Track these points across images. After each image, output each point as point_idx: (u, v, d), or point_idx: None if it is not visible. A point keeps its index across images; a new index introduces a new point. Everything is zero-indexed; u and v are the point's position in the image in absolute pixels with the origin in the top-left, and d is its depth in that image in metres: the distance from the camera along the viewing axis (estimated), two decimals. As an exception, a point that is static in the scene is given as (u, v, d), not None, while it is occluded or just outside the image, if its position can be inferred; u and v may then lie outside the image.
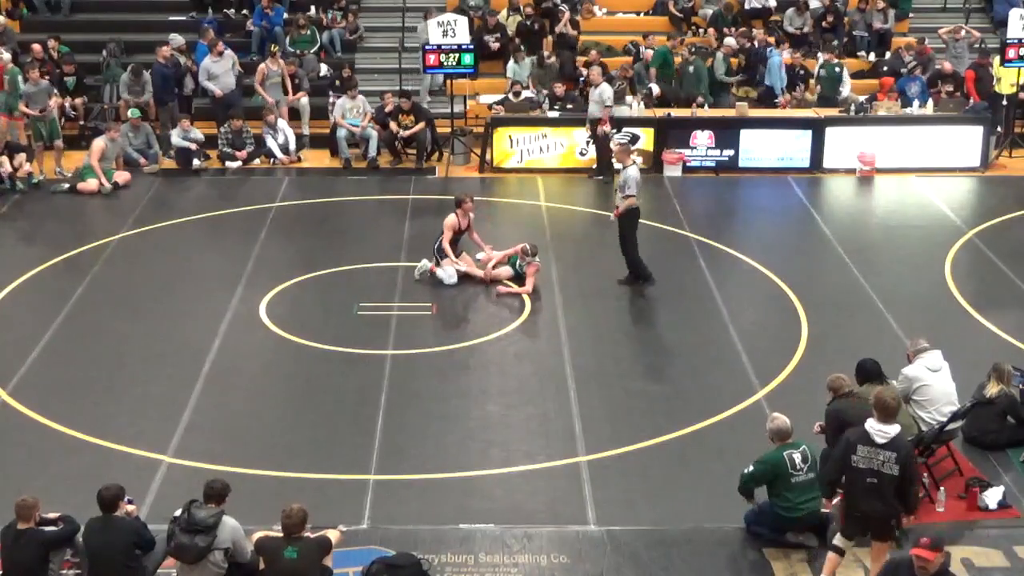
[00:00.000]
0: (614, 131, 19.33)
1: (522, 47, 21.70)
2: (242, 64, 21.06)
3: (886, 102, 20.42)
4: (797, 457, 9.61)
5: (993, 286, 15.26)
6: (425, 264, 15.05)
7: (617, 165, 15.19)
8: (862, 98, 20.69)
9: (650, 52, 21.62)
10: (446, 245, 14.97)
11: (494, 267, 15.02)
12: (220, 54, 20.51)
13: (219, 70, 20.42)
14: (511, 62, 21.54)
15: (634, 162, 14.72)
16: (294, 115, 21.02)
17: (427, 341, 13.55)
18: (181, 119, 19.95)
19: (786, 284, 15.04)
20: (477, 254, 15.33)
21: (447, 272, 14.90)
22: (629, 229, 14.79)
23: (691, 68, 21.11)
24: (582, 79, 20.98)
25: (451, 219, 15.02)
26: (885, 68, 21.76)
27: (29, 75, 19.29)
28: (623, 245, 14.86)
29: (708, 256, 16.04)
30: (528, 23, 22.44)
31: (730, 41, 22.01)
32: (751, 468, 9.70)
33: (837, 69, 21.20)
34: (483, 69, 21.83)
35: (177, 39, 21.24)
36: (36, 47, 20.75)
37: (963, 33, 22.33)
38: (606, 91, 18.93)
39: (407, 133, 19.84)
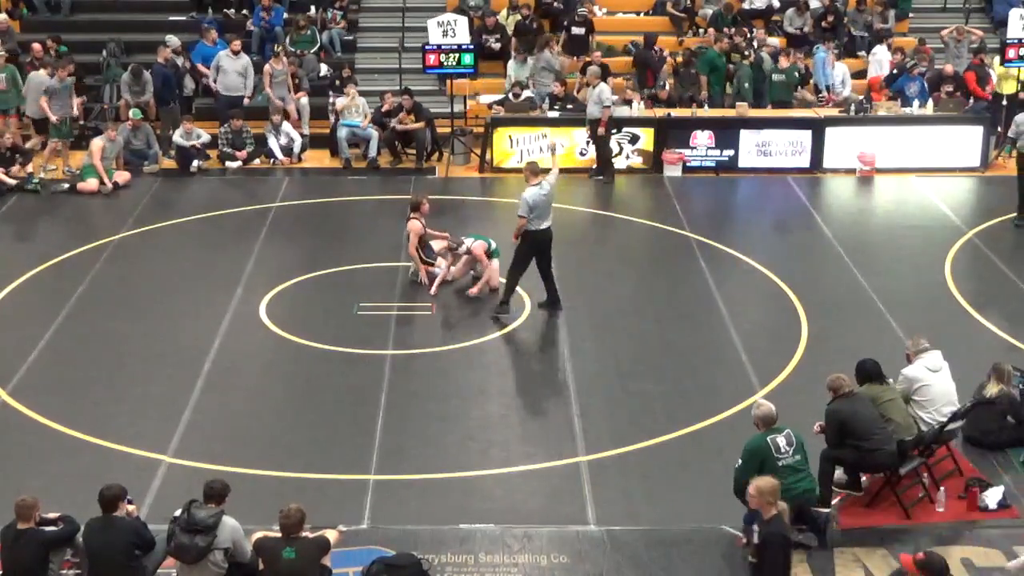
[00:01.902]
0: (613, 131, 19.39)
1: (521, 48, 21.69)
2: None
3: (886, 102, 20.42)
4: (781, 441, 9.67)
5: (993, 286, 15.26)
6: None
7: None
8: (861, 98, 20.69)
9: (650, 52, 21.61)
10: (414, 252, 14.74)
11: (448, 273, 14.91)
12: (236, 53, 20.49)
13: (230, 67, 20.39)
14: (511, 61, 21.54)
15: (539, 184, 13.59)
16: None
17: (427, 341, 13.55)
18: (183, 120, 19.94)
19: (786, 284, 15.04)
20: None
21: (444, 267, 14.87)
22: (521, 250, 13.79)
23: (751, 69, 20.89)
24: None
25: (416, 225, 14.70)
26: (895, 71, 21.71)
27: (57, 72, 19.46)
28: (512, 262, 13.97)
29: (708, 256, 16.03)
30: (526, 22, 22.42)
31: (773, 41, 22.00)
32: (739, 462, 9.73)
33: (797, 74, 20.82)
34: (483, 69, 21.83)
35: (173, 40, 21.18)
36: (36, 47, 20.75)
37: (965, 34, 22.32)
38: (605, 91, 18.91)
39: (406, 127, 19.78)
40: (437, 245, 15.03)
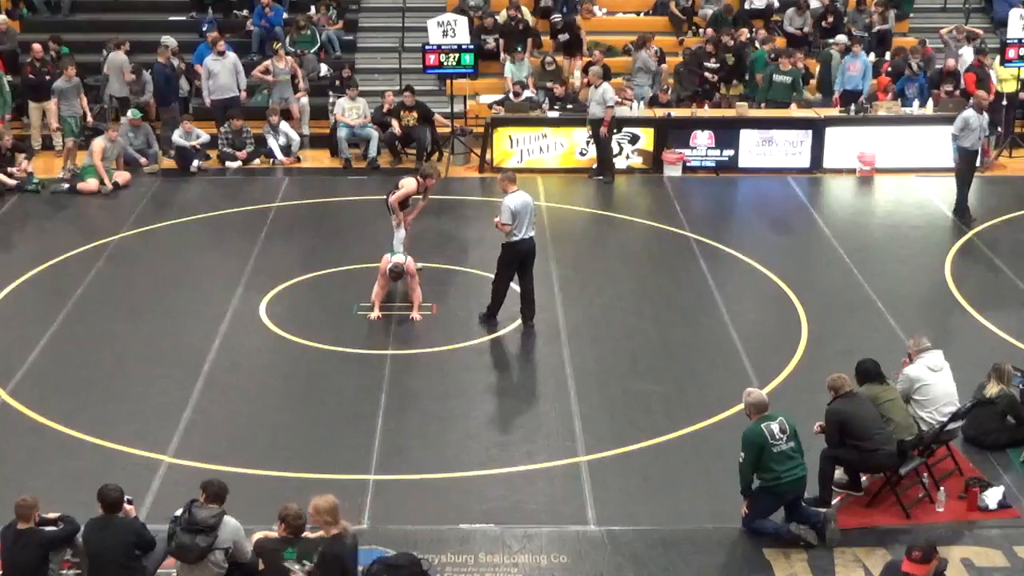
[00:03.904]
0: (614, 131, 19.38)
1: (518, 47, 21.69)
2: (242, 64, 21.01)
3: (886, 102, 20.42)
4: (775, 427, 9.73)
5: (993, 286, 15.26)
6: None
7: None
8: (862, 98, 20.68)
9: (650, 52, 21.58)
10: (395, 203, 14.64)
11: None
12: (221, 53, 20.47)
13: (219, 68, 20.37)
14: (508, 62, 21.54)
15: (516, 190, 13.46)
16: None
17: (427, 341, 13.55)
18: (183, 120, 19.93)
19: (786, 284, 15.04)
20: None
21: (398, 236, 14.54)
22: (502, 261, 13.67)
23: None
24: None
25: (411, 184, 14.70)
26: (890, 69, 21.72)
27: (65, 72, 19.46)
28: (496, 273, 13.82)
29: (708, 256, 16.03)
30: (512, 23, 22.36)
31: (842, 38, 22.04)
32: (742, 456, 9.74)
33: (789, 79, 20.62)
34: (483, 69, 21.84)
35: (171, 41, 21.13)
36: (36, 47, 20.71)
37: (964, 33, 22.32)
38: (608, 91, 18.90)
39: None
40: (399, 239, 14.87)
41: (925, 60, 21.47)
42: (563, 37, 22.24)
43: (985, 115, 17.51)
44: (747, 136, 19.78)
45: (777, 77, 20.68)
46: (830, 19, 23.11)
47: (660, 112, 20.15)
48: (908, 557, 8.20)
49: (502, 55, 21.87)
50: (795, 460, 9.77)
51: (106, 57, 21.47)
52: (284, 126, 20.21)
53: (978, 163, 18.12)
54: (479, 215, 17.76)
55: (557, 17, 22.66)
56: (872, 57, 22.79)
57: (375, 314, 14.01)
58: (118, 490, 8.85)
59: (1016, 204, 18.12)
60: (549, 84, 21.10)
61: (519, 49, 21.66)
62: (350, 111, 20.04)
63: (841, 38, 22.12)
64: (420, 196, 15.18)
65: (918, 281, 15.52)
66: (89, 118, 19.67)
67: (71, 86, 19.55)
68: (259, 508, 9.70)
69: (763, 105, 20.64)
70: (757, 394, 9.97)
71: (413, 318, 14.00)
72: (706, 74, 21.56)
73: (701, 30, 23.22)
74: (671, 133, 19.81)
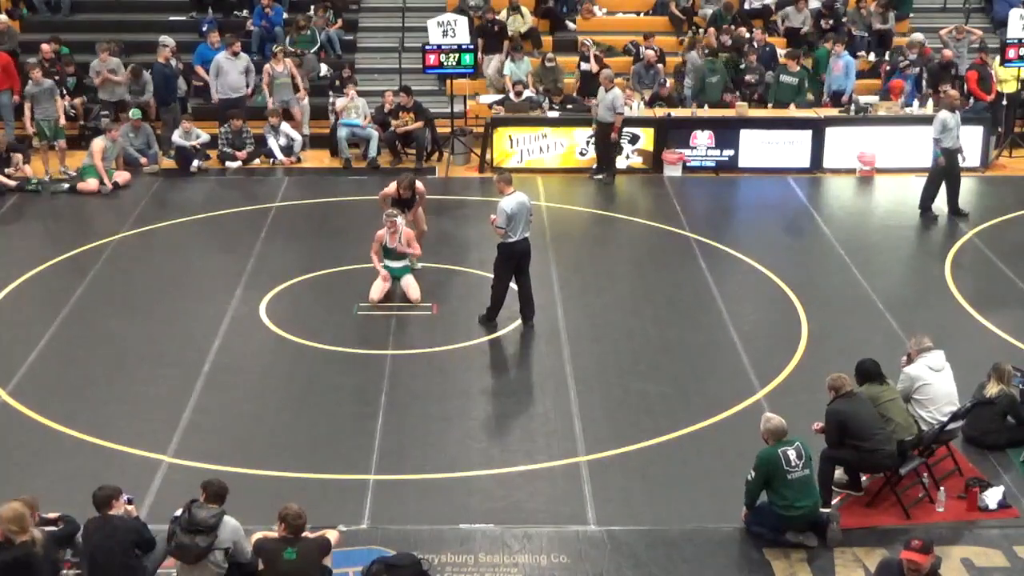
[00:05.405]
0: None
1: (518, 47, 21.68)
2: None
3: (886, 102, 20.43)
4: (792, 454, 9.65)
5: (993, 286, 15.26)
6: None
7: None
8: (863, 98, 20.66)
9: (651, 52, 21.55)
10: (380, 202, 15.10)
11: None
12: (235, 54, 20.44)
13: (230, 67, 20.34)
14: (508, 61, 21.54)
15: (513, 191, 13.44)
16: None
17: (427, 341, 13.55)
18: (183, 120, 19.92)
19: (786, 284, 15.04)
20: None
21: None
22: (499, 263, 13.64)
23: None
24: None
25: (391, 187, 15.14)
26: (888, 68, 21.73)
27: (32, 74, 19.28)
28: (493, 276, 13.81)
29: (708, 256, 16.03)
30: (489, 24, 22.29)
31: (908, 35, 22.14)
32: (752, 474, 9.72)
33: (796, 80, 20.48)
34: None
35: (169, 41, 21.08)
36: (45, 47, 20.64)
37: (964, 33, 22.31)
38: (618, 97, 18.84)
39: (404, 130, 19.82)
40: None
41: (923, 59, 21.47)
42: (586, 65, 21.78)
43: (958, 113, 17.48)
44: (747, 136, 19.78)
45: (784, 78, 20.67)
46: (829, 21, 23.07)
47: (660, 112, 20.15)
48: (909, 547, 8.25)
49: (479, 55, 21.85)
50: (809, 488, 9.71)
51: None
52: (285, 127, 20.20)
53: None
54: (479, 215, 17.75)
55: (586, 51, 22.16)
56: (873, 57, 22.83)
57: (380, 280, 14.31)
58: (105, 488, 8.87)
59: (1016, 204, 18.12)
60: (546, 88, 21.00)
61: (518, 49, 21.62)
62: (349, 110, 20.04)
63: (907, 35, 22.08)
64: (416, 198, 15.19)
65: (918, 281, 15.52)
66: (62, 120, 19.31)
67: (40, 90, 19.11)
68: (259, 508, 9.70)
69: (770, 105, 20.63)
70: (777, 420, 9.81)
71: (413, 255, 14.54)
72: (747, 77, 21.41)
73: (701, 30, 23.21)
74: (671, 133, 19.81)
